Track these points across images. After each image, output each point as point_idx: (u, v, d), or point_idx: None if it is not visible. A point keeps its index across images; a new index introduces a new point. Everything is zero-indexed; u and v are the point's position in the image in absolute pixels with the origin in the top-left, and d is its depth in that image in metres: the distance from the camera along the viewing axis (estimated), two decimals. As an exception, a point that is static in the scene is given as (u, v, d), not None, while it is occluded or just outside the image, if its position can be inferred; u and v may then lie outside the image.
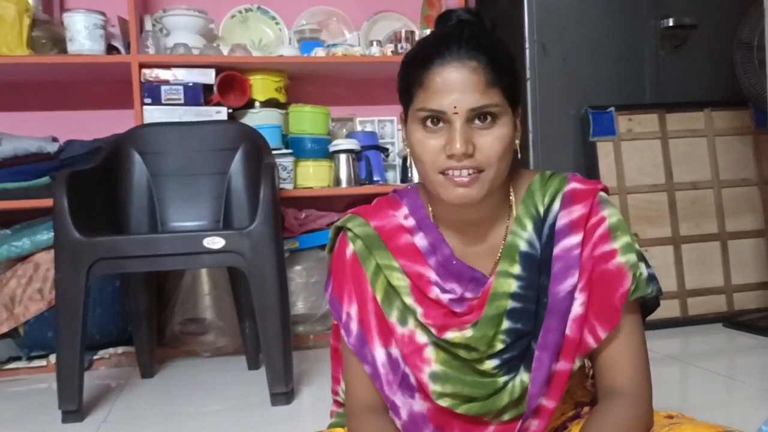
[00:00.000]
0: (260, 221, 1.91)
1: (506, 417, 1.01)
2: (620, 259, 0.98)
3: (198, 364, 2.51)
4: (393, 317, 1.02)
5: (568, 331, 0.97)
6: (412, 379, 1.02)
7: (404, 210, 1.07)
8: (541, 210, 1.02)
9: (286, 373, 1.93)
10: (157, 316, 2.46)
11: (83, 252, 1.84)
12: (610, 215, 1.00)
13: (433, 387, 1.00)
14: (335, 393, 1.22)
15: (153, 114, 2.51)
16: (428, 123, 0.93)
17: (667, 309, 2.70)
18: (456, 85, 0.91)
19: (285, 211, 2.63)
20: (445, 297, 1.00)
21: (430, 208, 1.05)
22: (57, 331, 1.86)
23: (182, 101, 2.55)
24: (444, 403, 1.00)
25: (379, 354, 1.02)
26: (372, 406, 1.05)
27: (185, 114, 2.53)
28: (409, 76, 0.96)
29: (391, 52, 2.81)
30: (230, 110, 2.63)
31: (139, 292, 2.28)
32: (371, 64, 2.82)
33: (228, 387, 2.21)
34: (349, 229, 1.06)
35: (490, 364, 1.00)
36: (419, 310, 1.00)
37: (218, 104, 2.60)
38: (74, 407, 1.86)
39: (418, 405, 1.02)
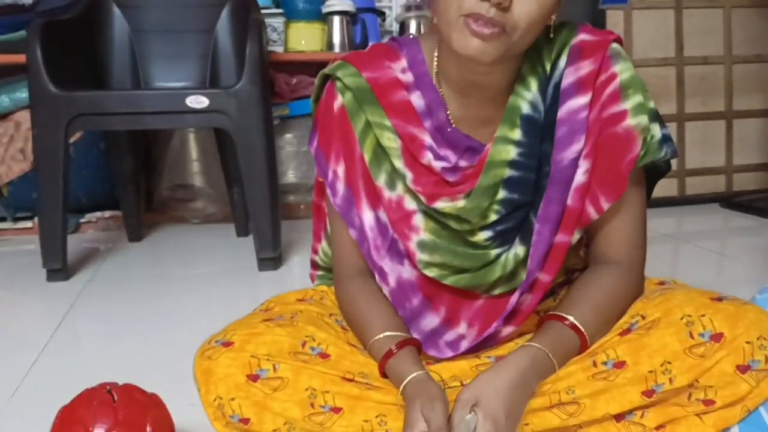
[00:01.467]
0: (247, 80, 1.82)
1: (497, 291, 0.96)
2: (630, 121, 0.89)
3: (186, 229, 2.50)
4: (381, 180, 0.95)
5: (569, 201, 0.90)
6: (401, 246, 0.96)
7: (403, 62, 0.96)
8: (547, 66, 0.92)
9: (273, 238, 1.91)
10: (146, 181, 2.41)
11: (61, 107, 1.76)
12: (622, 71, 0.90)
13: (420, 256, 0.94)
14: (314, 251, 1.17)
15: (132, -35, 2.34)
16: None
17: (665, 188, 2.67)
18: None
19: (275, 76, 2.52)
20: (438, 164, 0.92)
21: (435, 64, 0.95)
22: (38, 189, 1.82)
23: (164, -48, 2.37)
24: (431, 273, 0.95)
25: (368, 217, 0.96)
26: (359, 270, 1.01)
27: (168, -34, 2.36)
28: None
29: None
30: (216, -36, 2.45)
31: (124, 154, 2.21)
32: None
33: (216, 252, 2.21)
34: (339, 79, 0.96)
35: (482, 236, 0.94)
36: (409, 176, 0.93)
37: (203, -44, 2.42)
38: (58, 266, 1.84)
39: (407, 272, 0.97)
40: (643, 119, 0.89)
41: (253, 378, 0.86)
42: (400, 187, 0.95)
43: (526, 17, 0.80)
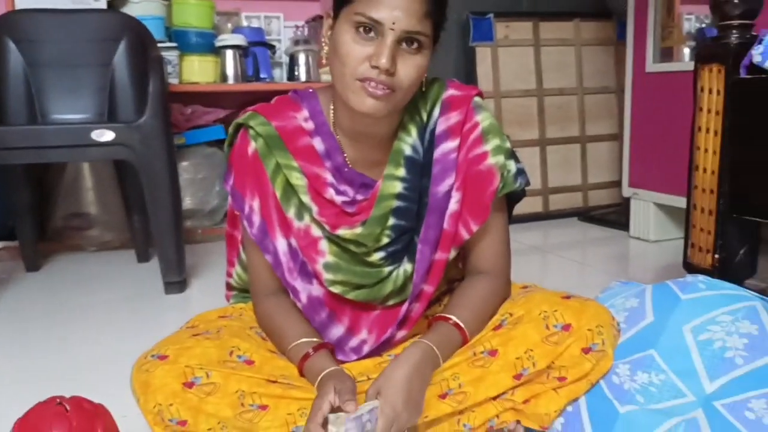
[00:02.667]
0: (150, 114, 1.92)
1: (390, 302, 1.13)
2: (490, 160, 1.10)
3: (84, 258, 2.52)
4: (291, 213, 1.10)
5: (445, 226, 1.10)
6: (309, 268, 1.11)
7: (304, 113, 1.11)
8: (424, 116, 1.11)
9: (179, 262, 2.01)
10: (40, 211, 2.42)
11: (-39, 142, 1.78)
12: (483, 120, 1.11)
13: (326, 275, 1.10)
14: (229, 275, 1.32)
15: (25, -1, 2.37)
16: (361, 30, 0.96)
17: (531, 205, 2.98)
18: (400, 3, 0.95)
19: (170, 107, 2.61)
20: (338, 198, 1.08)
21: (332, 115, 1.10)
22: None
23: (56, -14, 2.42)
24: (335, 289, 1.10)
25: (281, 244, 1.11)
26: (273, 289, 1.15)
27: (61, 0, 2.41)
28: None
29: (279, -55, 2.76)
30: (109, -1, 2.53)
31: (21, 185, 2.23)
32: (258, -43, 2.78)
33: (119, 279, 2.26)
34: (251, 127, 1.09)
35: (376, 256, 1.11)
36: (315, 208, 1.08)
37: (96, -9, 2.48)
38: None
39: (316, 290, 1.12)
40: (500, 159, 1.10)
41: (189, 385, 0.97)
42: (307, 218, 1.10)
43: (407, 79, 0.99)
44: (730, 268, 1.24)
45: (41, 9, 2.27)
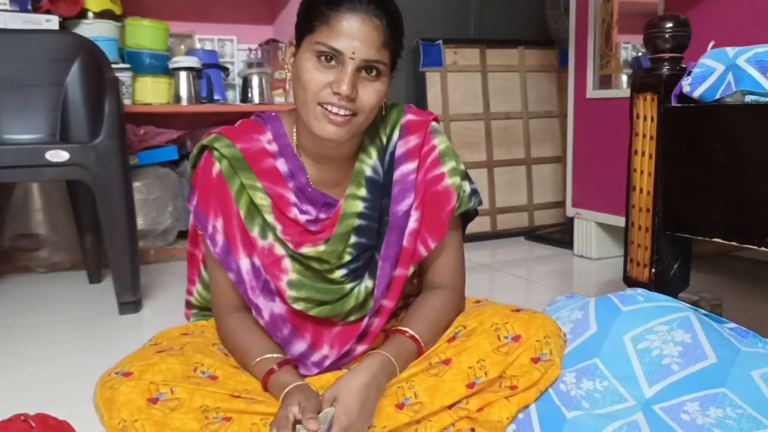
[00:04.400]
0: (106, 135, 1.93)
1: (351, 318, 1.18)
2: (447, 181, 1.17)
3: (34, 279, 2.48)
4: (255, 232, 1.13)
5: (405, 243, 1.15)
6: (272, 285, 1.14)
7: (268, 135, 1.16)
8: (384, 139, 1.18)
9: (134, 282, 2.01)
10: (-14, 232, 2.38)
11: None
12: (440, 143, 1.18)
13: (290, 293, 1.13)
14: (189, 293, 1.34)
15: (-26, 18, 2.35)
16: (322, 58, 1.02)
17: (479, 225, 3.07)
18: (359, 34, 1.01)
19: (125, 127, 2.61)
20: (302, 217, 1.12)
21: (295, 137, 1.15)
22: None
23: (7, 6, 2.40)
24: (299, 306, 1.13)
25: (244, 263, 1.14)
26: (236, 307, 1.18)
27: (11, 20, 2.39)
28: (315, 10, 1.04)
29: (233, -30, 2.81)
30: (61, 19, 2.52)
31: (-31, 206, 2.19)
32: (212, -19, 2.81)
33: (71, 299, 2.23)
34: (216, 149, 1.13)
35: (339, 273, 1.15)
36: (279, 227, 1.12)
37: (48, 12, 2.48)
38: None
39: (278, 307, 1.15)
40: (457, 179, 1.17)
41: (153, 401, 0.99)
42: (270, 237, 1.13)
43: (368, 103, 1.05)
44: (665, 282, 1.34)
45: (-8, 28, 2.25)
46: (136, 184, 2.64)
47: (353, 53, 1.01)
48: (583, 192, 2.78)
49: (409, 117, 1.19)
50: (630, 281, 1.39)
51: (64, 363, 1.66)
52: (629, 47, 3.01)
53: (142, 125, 2.77)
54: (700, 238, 1.31)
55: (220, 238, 1.14)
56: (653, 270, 1.33)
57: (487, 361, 1.08)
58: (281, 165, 1.14)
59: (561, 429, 1.07)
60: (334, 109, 1.03)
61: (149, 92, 2.69)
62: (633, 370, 1.10)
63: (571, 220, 2.87)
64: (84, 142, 1.95)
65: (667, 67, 1.35)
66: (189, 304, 1.37)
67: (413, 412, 1.06)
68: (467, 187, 1.20)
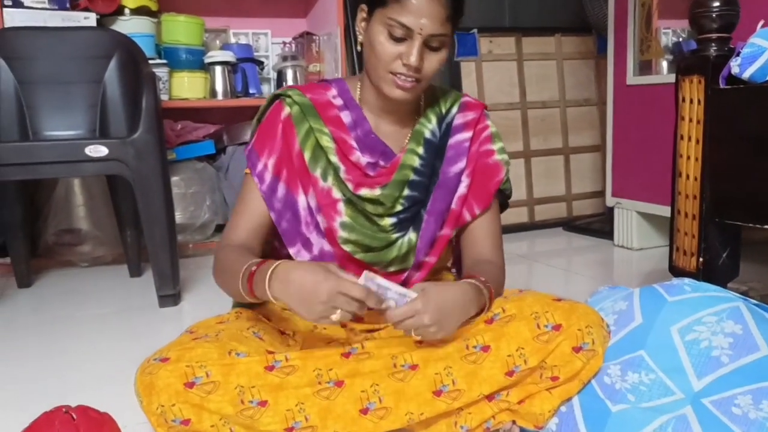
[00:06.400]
0: (144, 129, 1.95)
1: (392, 269, 1.25)
2: (497, 157, 1.30)
3: (76, 273, 2.53)
4: (317, 173, 1.22)
5: (453, 206, 1.25)
6: (324, 226, 1.23)
7: (333, 91, 1.27)
8: (443, 110, 1.29)
9: (173, 275, 2.03)
10: (31, 227, 2.43)
11: (-44, 159, 1.80)
12: (491, 125, 1.32)
13: (341, 233, 1.22)
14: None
15: (14, 17, 2.39)
16: (394, 33, 1.12)
17: (517, 215, 3.03)
18: (426, 11, 1.10)
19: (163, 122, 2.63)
20: (363, 160, 1.22)
21: (358, 93, 1.27)
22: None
23: (46, 4, 2.44)
24: (347, 248, 1.22)
25: (302, 200, 1.23)
26: (244, 245, 1.20)
27: (50, 18, 2.43)
28: None
29: (266, -37, 2.81)
30: (99, 16, 2.55)
31: (13, 202, 2.24)
32: (246, -25, 2.82)
33: (112, 293, 2.27)
34: (289, 96, 1.25)
35: (388, 221, 1.23)
36: (342, 168, 1.22)
37: (86, 9, 2.51)
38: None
39: (327, 246, 1.24)
40: (505, 157, 1.31)
41: (189, 385, 1.00)
42: (330, 179, 1.22)
43: (431, 71, 1.16)
44: (713, 271, 1.29)
45: (31, 27, 2.29)
46: (174, 179, 2.66)
47: (421, 29, 1.10)
48: (623, 181, 2.72)
49: (467, 98, 1.33)
50: (676, 271, 1.34)
51: (105, 355, 1.69)
52: (669, 32, 2.93)
53: (179, 120, 2.80)
54: (750, 225, 1.26)
55: (268, 176, 1.22)
56: (701, 259, 1.29)
57: (526, 349, 1.08)
58: (345, 116, 1.25)
59: (605, 422, 1.05)
60: (402, 77, 1.14)
61: (186, 87, 2.72)
62: (681, 363, 1.07)
63: (610, 209, 2.82)
64: (123, 137, 1.97)
65: (715, 48, 1.30)
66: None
67: (451, 400, 1.06)
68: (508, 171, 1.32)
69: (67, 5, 2.49)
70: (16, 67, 2.20)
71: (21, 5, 2.41)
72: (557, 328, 1.09)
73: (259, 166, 1.22)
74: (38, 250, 2.53)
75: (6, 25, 2.36)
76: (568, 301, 1.14)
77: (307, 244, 1.24)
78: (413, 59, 1.11)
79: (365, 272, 1.04)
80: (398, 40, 1.12)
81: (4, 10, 2.38)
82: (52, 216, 2.53)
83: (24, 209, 2.31)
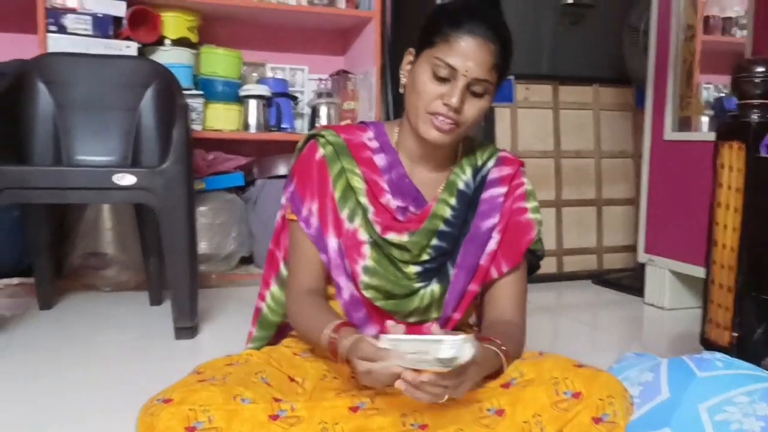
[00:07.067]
0: (172, 160, 1.95)
1: (412, 319, 1.23)
2: (531, 215, 1.28)
3: (98, 297, 2.53)
4: (344, 213, 1.22)
5: (482, 261, 1.23)
6: (349, 269, 1.22)
7: (370, 134, 1.29)
8: (480, 162, 1.29)
9: (191, 308, 2.01)
10: (58, 249, 2.44)
11: (-13, 180, 1.82)
12: (527, 183, 1.31)
13: (363, 277, 1.20)
14: (262, 298, 1.38)
15: (58, 43, 2.44)
16: (439, 72, 1.13)
17: (545, 265, 2.92)
18: (474, 55, 1.12)
19: (193, 153, 2.65)
20: (394, 203, 1.22)
21: (396, 136, 1.27)
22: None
23: (90, 32, 2.50)
24: (368, 293, 1.20)
25: (332, 243, 1.23)
26: (312, 289, 1.24)
27: (92, 46, 2.48)
28: (439, 28, 1.15)
29: (307, 1, 2.84)
30: (140, 46, 2.60)
31: (41, 223, 2.26)
32: (286, 12, 2.86)
33: (130, 320, 2.26)
34: (323, 136, 1.26)
35: (413, 269, 1.22)
36: (371, 209, 1.22)
37: (128, 39, 2.56)
38: (-28, 334, 1.86)
39: (356, 291, 1.23)
40: (539, 217, 1.30)
41: (191, 430, 0.97)
42: (357, 221, 1.22)
43: (470, 117, 1.16)
44: (747, 347, 1.23)
45: (73, 53, 2.34)
46: (202, 209, 2.68)
47: (466, 71, 1.12)
48: (657, 237, 2.65)
49: (505, 153, 1.33)
50: (708, 344, 1.28)
51: (113, 384, 1.67)
52: (711, 87, 2.88)
53: (211, 151, 2.81)
54: (788, 300, 1.20)
55: (314, 221, 1.23)
56: (735, 334, 1.23)
57: (543, 417, 1.02)
58: (379, 159, 1.25)
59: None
60: (441, 118, 1.14)
61: (220, 119, 2.74)
62: (709, 445, 1.00)
63: (642, 265, 2.74)
64: (153, 166, 1.97)
65: (757, 114, 1.26)
66: (257, 314, 1.39)
67: None
68: (541, 232, 1.30)
69: (110, 33, 2.54)
70: (55, 92, 2.24)
71: (65, 31, 2.46)
72: (577, 395, 1.03)
73: (304, 212, 1.24)
74: (64, 271, 2.54)
75: (50, 50, 2.41)
76: (590, 368, 1.08)
77: (339, 289, 1.24)
78: (454, 100, 1.12)
79: (383, 336, 0.98)
80: (442, 80, 1.13)
81: (49, 35, 2.43)
82: (80, 238, 2.55)
83: (52, 231, 2.32)
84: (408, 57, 1.22)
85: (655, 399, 1.08)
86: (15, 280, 2.46)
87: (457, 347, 0.91)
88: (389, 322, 1.05)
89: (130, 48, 2.55)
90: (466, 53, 1.12)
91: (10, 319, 2.20)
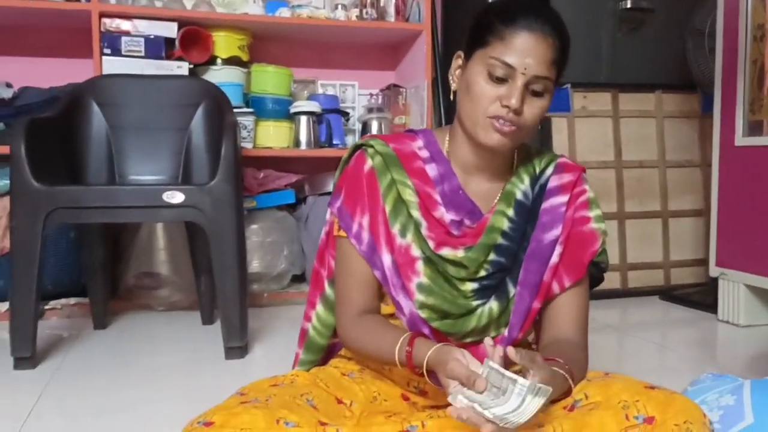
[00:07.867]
0: (221, 178, 1.94)
1: (468, 340, 1.14)
2: (594, 225, 1.18)
3: (151, 317, 2.53)
4: (395, 228, 1.14)
5: (545, 277, 1.14)
6: (404, 286, 1.14)
7: (419, 142, 1.20)
8: (537, 170, 1.20)
9: (241, 328, 1.98)
10: (112, 269, 2.46)
11: (41, 200, 1.84)
12: (589, 191, 1.21)
13: (418, 296, 1.12)
14: (308, 318, 1.31)
15: (112, 65, 2.48)
16: (495, 72, 1.05)
17: (609, 281, 2.81)
18: (532, 51, 1.04)
19: (244, 170, 2.65)
20: (448, 217, 1.14)
21: (447, 145, 1.19)
22: (11, 279, 1.86)
23: (143, 54, 2.53)
24: (423, 313, 1.12)
25: (386, 259, 1.14)
26: (366, 309, 1.17)
27: (146, 67, 2.51)
28: (491, 25, 1.07)
29: (356, 17, 2.82)
30: (191, 66, 2.62)
31: (96, 244, 2.28)
32: (335, 28, 2.84)
33: (181, 340, 2.25)
34: (371, 146, 1.18)
35: (469, 287, 1.14)
36: (424, 224, 1.13)
37: (179, 59, 2.58)
38: (27, 354, 1.87)
39: (415, 309, 1.14)
40: (603, 226, 1.19)
41: None
42: (409, 236, 1.14)
43: (531, 118, 1.08)
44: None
45: (126, 75, 2.37)
46: (253, 227, 2.66)
47: (525, 69, 1.04)
48: (730, 250, 2.49)
49: (564, 159, 1.23)
50: (794, 362, 1.16)
51: (162, 405, 1.64)
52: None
53: (262, 168, 2.80)
54: None
55: (365, 236, 1.15)
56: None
57: None
58: (431, 169, 1.17)
59: None
60: (501, 122, 1.06)
61: (271, 136, 2.73)
62: (802, 477, 0.89)
63: (714, 280, 2.58)
64: (202, 184, 1.96)
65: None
66: (303, 336, 1.32)
67: None
68: (605, 242, 1.20)
69: (162, 54, 2.56)
70: (109, 113, 2.27)
71: (119, 54, 2.50)
72: (650, 420, 0.93)
73: (355, 227, 1.16)
74: (118, 291, 2.56)
75: (104, 72, 2.45)
76: (663, 390, 0.98)
77: (399, 307, 1.15)
78: (514, 100, 1.04)
79: (487, 360, 0.91)
80: (499, 81, 1.06)
81: (104, 58, 2.48)
82: (134, 258, 2.56)
83: (106, 251, 2.34)
84: (457, 61, 1.15)
85: (738, 425, 0.98)
86: (71, 300, 2.49)
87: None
88: (487, 340, 0.97)
89: (182, 68, 2.57)
90: (524, 50, 1.04)
91: (66, 339, 2.22)
